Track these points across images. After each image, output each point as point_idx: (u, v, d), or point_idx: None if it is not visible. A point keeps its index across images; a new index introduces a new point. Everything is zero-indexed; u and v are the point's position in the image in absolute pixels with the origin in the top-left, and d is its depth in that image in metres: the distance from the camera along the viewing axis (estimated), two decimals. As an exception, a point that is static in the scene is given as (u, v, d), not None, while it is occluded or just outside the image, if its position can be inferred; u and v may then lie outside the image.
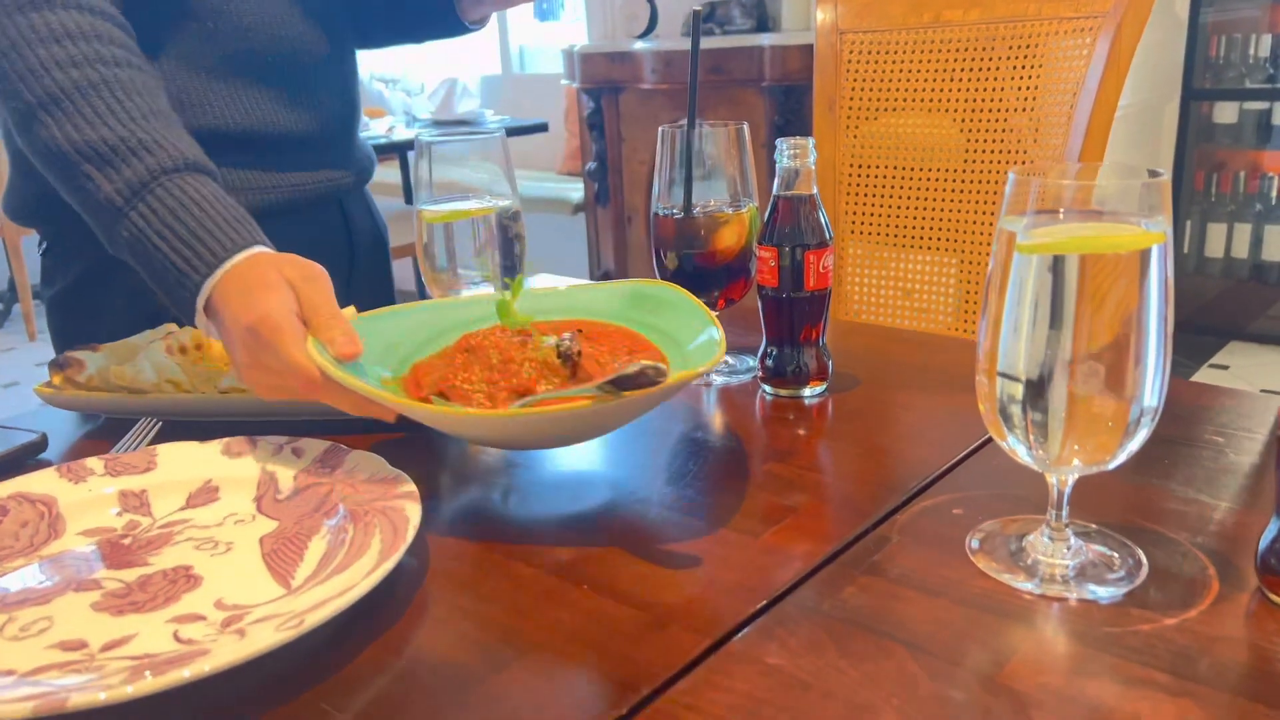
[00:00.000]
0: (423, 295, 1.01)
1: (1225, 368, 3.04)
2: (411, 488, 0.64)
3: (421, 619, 0.56)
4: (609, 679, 0.50)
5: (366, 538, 0.60)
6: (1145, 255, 0.50)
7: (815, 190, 0.81)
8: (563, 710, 0.48)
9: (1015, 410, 0.53)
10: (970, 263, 1.51)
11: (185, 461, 0.72)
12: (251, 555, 0.63)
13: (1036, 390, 0.52)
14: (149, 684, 0.46)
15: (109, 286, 1.07)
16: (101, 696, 0.46)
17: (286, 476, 0.70)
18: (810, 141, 0.80)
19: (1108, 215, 0.53)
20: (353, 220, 1.22)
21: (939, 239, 1.53)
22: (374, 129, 3.77)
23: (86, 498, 0.69)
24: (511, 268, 0.90)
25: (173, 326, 0.94)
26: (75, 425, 0.88)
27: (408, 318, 0.81)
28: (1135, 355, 0.51)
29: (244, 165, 1.05)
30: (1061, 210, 0.54)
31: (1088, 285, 0.51)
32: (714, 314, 0.74)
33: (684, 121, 0.87)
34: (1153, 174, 0.51)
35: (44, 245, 1.12)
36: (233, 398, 0.83)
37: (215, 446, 0.73)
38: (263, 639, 0.49)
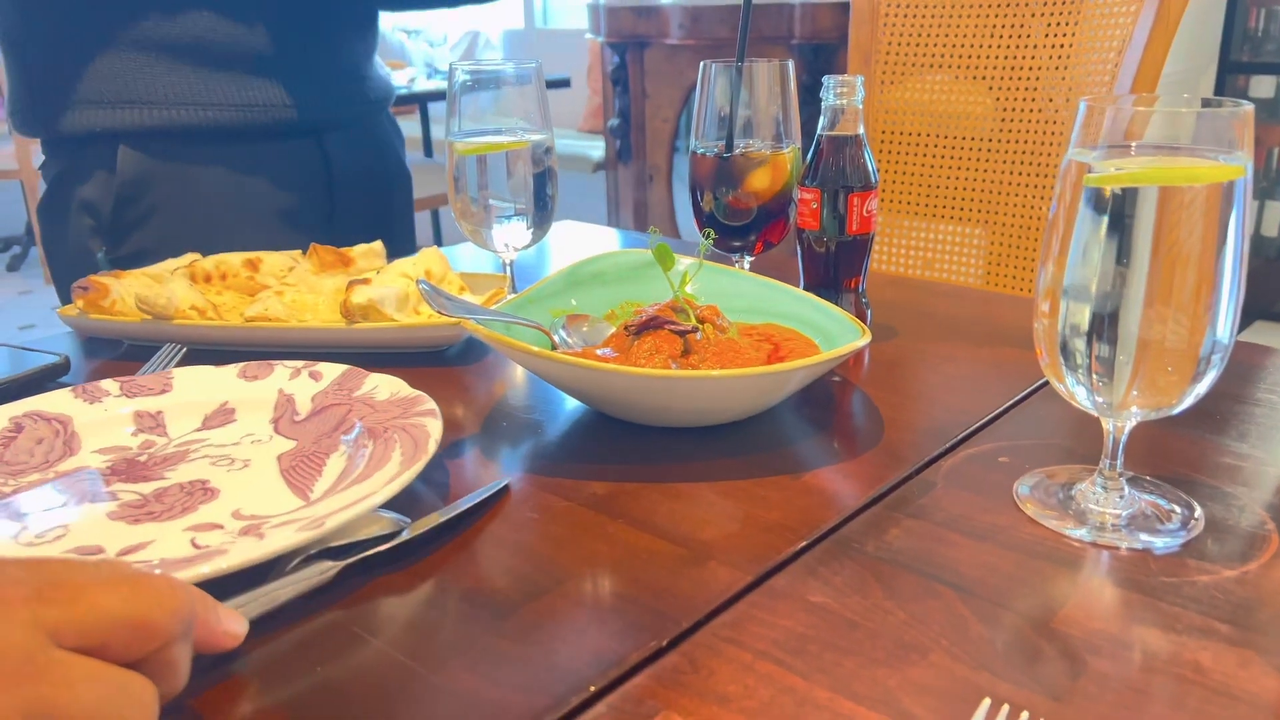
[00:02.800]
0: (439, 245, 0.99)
1: (1251, 346, 3.00)
2: (432, 405, 0.63)
3: (453, 547, 0.55)
4: (648, 610, 0.48)
5: (387, 451, 0.59)
6: (1224, 189, 0.48)
7: (862, 130, 0.78)
8: (601, 639, 0.46)
9: (1079, 351, 0.51)
10: (998, 236, 1.48)
11: (201, 384, 0.72)
12: (269, 471, 0.62)
13: (1103, 329, 0.50)
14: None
15: (96, 167, 1.06)
16: None
17: (304, 398, 0.69)
18: (859, 79, 0.77)
19: (1183, 151, 0.51)
20: (333, 157, 1.17)
21: (966, 209, 1.50)
22: (395, 80, 3.73)
23: (102, 418, 0.68)
24: (544, 202, 0.88)
25: (196, 255, 0.92)
26: (97, 351, 0.87)
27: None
28: (1209, 294, 0.48)
29: (186, 73, 1.03)
30: (1133, 144, 0.51)
31: (1163, 220, 0.48)
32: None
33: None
34: (1233, 104, 0.49)
35: (44, 160, 1.13)
36: (258, 326, 0.81)
37: (232, 370, 0.72)
38: (282, 539, 0.49)
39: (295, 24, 1.09)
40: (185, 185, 1.06)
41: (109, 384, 0.71)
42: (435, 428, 0.60)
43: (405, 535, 0.53)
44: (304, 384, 0.70)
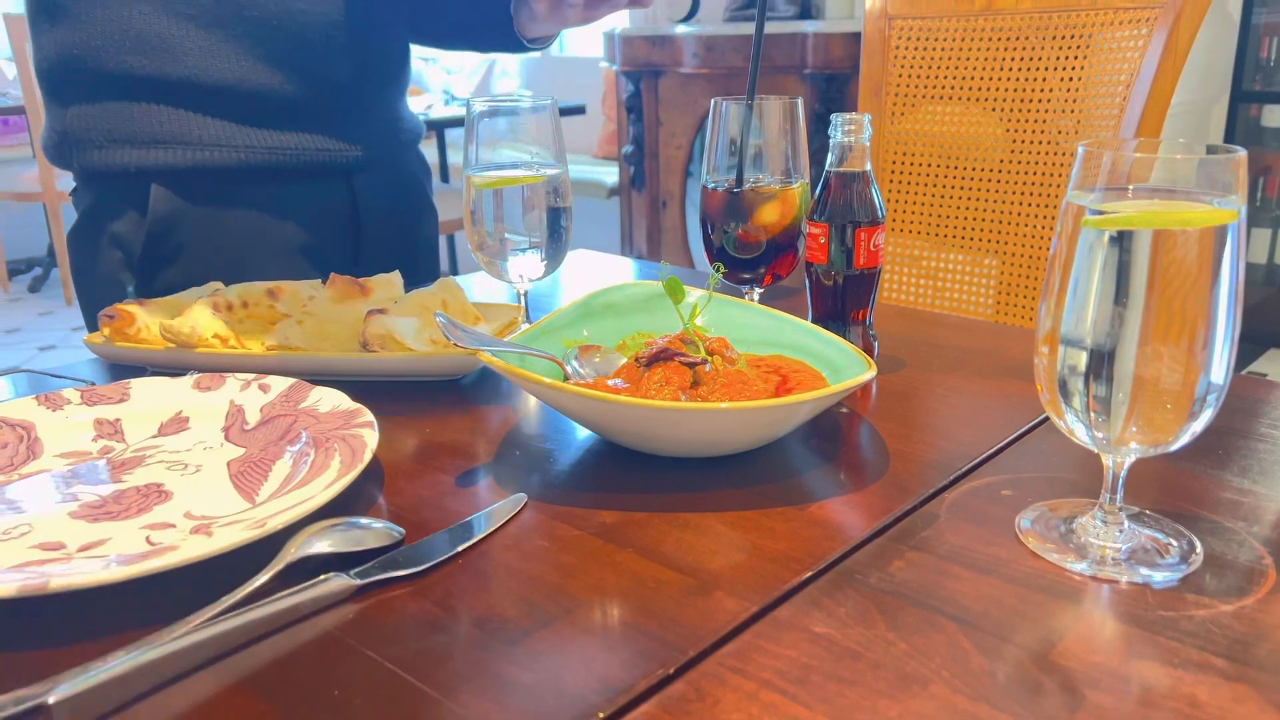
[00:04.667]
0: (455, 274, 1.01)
1: (1263, 375, 3.00)
2: (369, 418, 0.68)
3: (465, 574, 0.56)
4: (655, 639, 0.50)
5: (327, 459, 0.64)
6: (1217, 233, 0.49)
7: (869, 167, 0.80)
8: (609, 667, 0.48)
9: (1077, 388, 0.52)
10: (1008, 266, 1.49)
11: (157, 394, 0.76)
12: (219, 476, 0.66)
13: (1100, 367, 0.51)
14: (124, 570, 0.50)
15: (128, 205, 1.08)
16: (80, 579, 0.49)
17: (253, 409, 0.74)
18: (866, 117, 0.79)
19: (1179, 194, 0.52)
20: (361, 197, 1.18)
21: (977, 237, 1.52)
22: (412, 107, 3.78)
23: (63, 424, 0.72)
24: (558, 235, 0.90)
25: (219, 284, 0.94)
26: (123, 378, 0.89)
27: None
28: (1204, 335, 0.50)
29: (219, 117, 1.05)
30: (1130, 187, 0.53)
31: (1157, 262, 0.50)
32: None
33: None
34: (1227, 151, 0.50)
35: (75, 188, 1.14)
36: (279, 355, 0.83)
37: (186, 381, 0.77)
38: (229, 538, 0.53)
39: (330, 70, 1.10)
40: (215, 224, 1.08)
41: (70, 393, 0.75)
42: (371, 438, 0.65)
43: (430, 561, 0.56)
44: (254, 395, 0.75)
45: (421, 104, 3.91)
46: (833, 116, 0.79)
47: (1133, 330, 0.50)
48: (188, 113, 1.03)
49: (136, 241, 1.07)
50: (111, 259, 1.09)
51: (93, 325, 1.09)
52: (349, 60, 1.12)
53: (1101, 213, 0.51)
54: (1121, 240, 0.51)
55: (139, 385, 0.77)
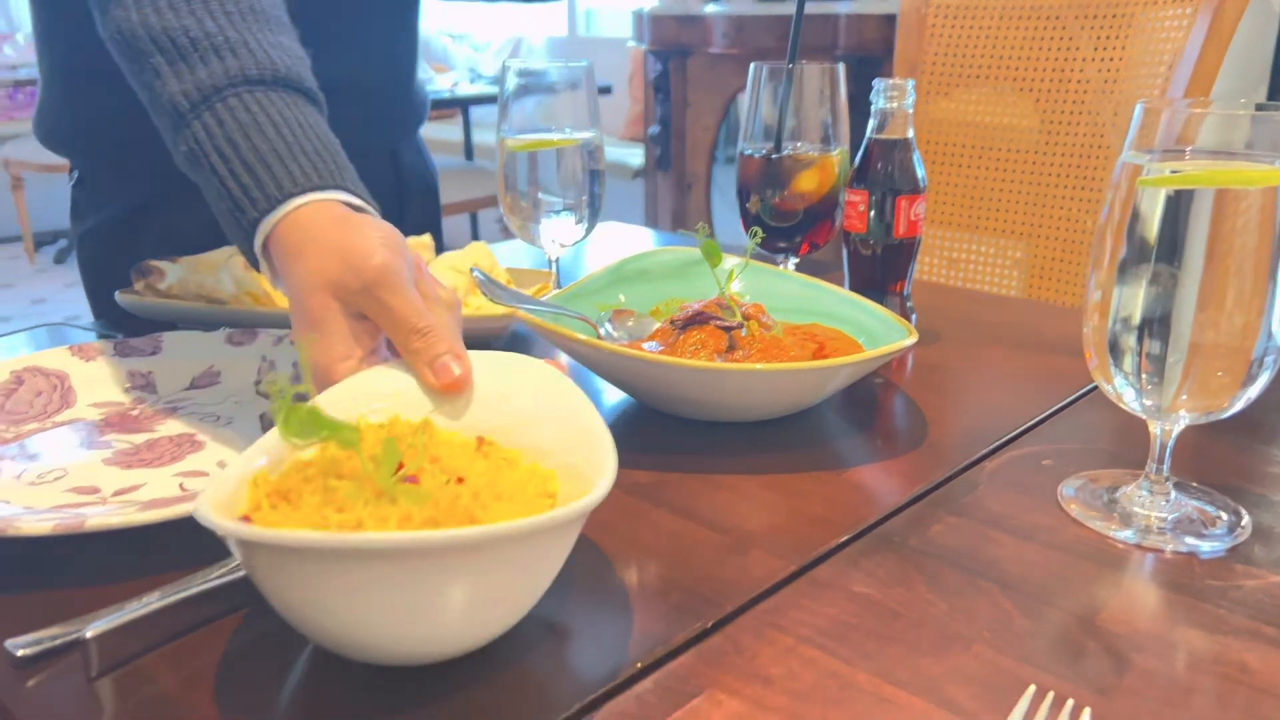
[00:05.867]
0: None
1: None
2: None
3: (501, 528, 0.56)
4: (692, 594, 0.49)
5: None
6: (1279, 193, 0.48)
7: (911, 134, 0.79)
8: (645, 619, 0.47)
9: (1128, 353, 0.51)
10: (1040, 250, 1.47)
11: (189, 347, 0.76)
12: (251, 426, 0.67)
13: (1154, 331, 0.50)
14: (159, 513, 0.50)
15: (140, 231, 1.01)
16: (115, 520, 0.49)
17: (284, 364, 0.74)
18: (910, 83, 0.77)
19: (1239, 155, 0.51)
20: (404, 168, 1.17)
21: (1009, 223, 1.50)
22: (438, 84, 3.77)
23: (96, 374, 0.73)
24: (593, 199, 0.89)
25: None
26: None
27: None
28: (1263, 295, 0.48)
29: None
30: (1188, 149, 0.52)
31: (1218, 222, 0.48)
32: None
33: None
34: (1292, 110, 0.49)
35: (75, 176, 1.07)
36: (310, 313, 0.83)
37: (219, 336, 0.77)
38: None
39: (393, 47, 1.08)
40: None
41: (103, 344, 0.75)
42: None
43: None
44: (285, 351, 0.75)
45: (447, 81, 3.90)
46: (875, 82, 0.78)
47: (1189, 293, 0.49)
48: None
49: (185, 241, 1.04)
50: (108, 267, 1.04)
51: (98, 294, 1.06)
52: (390, 32, 1.08)
53: (1159, 174, 0.50)
54: (1180, 200, 0.49)
55: (171, 339, 0.77)
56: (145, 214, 1.00)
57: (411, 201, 1.19)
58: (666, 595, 0.49)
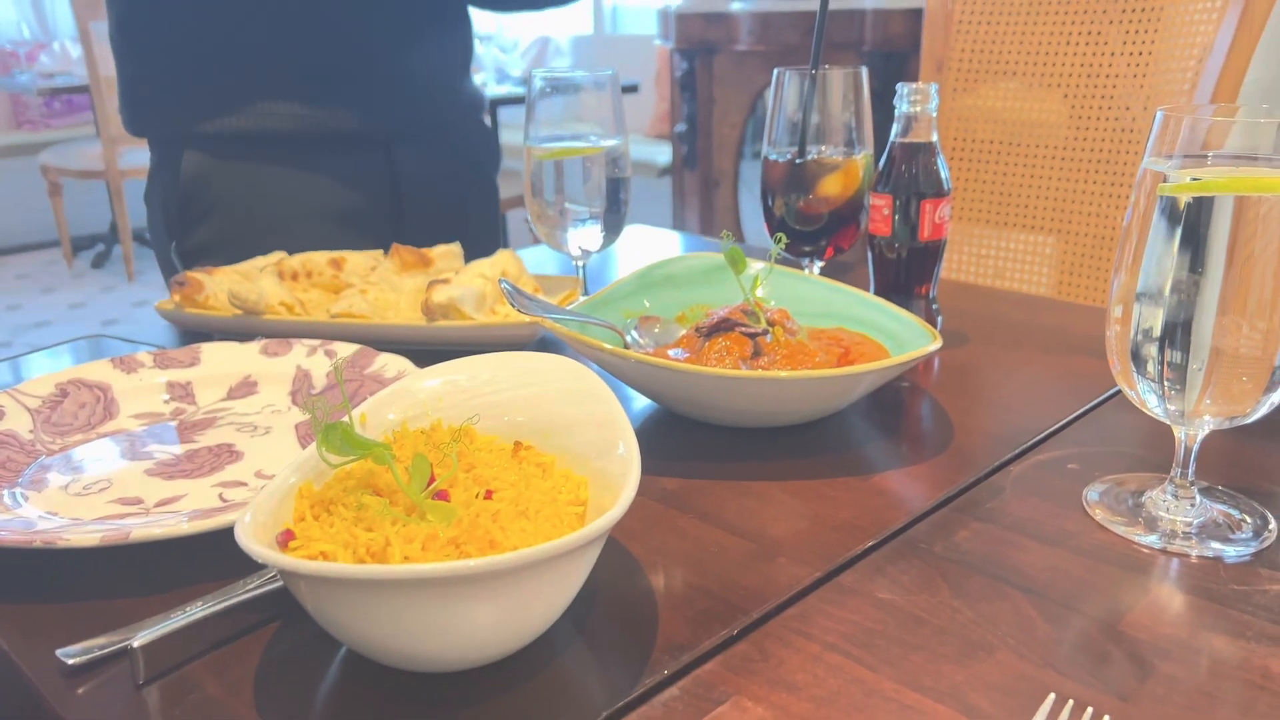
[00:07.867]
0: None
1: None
2: None
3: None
4: (718, 600, 0.50)
5: None
6: (1303, 199, 0.48)
7: (935, 138, 0.79)
8: (672, 625, 0.48)
9: (1151, 359, 0.52)
10: (1070, 246, 1.46)
11: (226, 358, 0.78)
12: (288, 436, 0.68)
13: (1176, 337, 0.50)
14: (204, 523, 0.51)
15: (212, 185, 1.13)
16: (158, 531, 0.51)
17: (319, 374, 0.75)
18: (933, 87, 0.78)
19: (1261, 160, 0.51)
20: (400, 167, 1.20)
21: (1039, 218, 1.49)
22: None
23: (138, 386, 0.75)
24: (617, 207, 0.90)
25: (283, 254, 0.96)
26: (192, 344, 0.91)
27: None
28: (1286, 303, 0.49)
29: (248, 82, 1.09)
30: (1210, 154, 0.52)
31: (1239, 228, 0.49)
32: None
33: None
34: (1314, 116, 0.49)
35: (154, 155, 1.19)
36: (342, 322, 0.85)
37: (254, 347, 0.79)
38: None
39: (364, 35, 1.12)
40: (245, 188, 1.13)
41: (144, 356, 0.77)
42: None
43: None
44: (319, 361, 0.77)
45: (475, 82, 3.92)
46: (898, 86, 0.78)
47: (1211, 299, 0.49)
48: (220, 78, 1.07)
49: (173, 202, 1.13)
50: (157, 220, 1.15)
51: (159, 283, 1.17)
52: (385, 30, 1.13)
53: (1180, 180, 0.50)
54: (1200, 207, 0.49)
55: (209, 350, 0.79)
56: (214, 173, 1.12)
57: (414, 200, 1.23)
58: (693, 602, 0.50)
